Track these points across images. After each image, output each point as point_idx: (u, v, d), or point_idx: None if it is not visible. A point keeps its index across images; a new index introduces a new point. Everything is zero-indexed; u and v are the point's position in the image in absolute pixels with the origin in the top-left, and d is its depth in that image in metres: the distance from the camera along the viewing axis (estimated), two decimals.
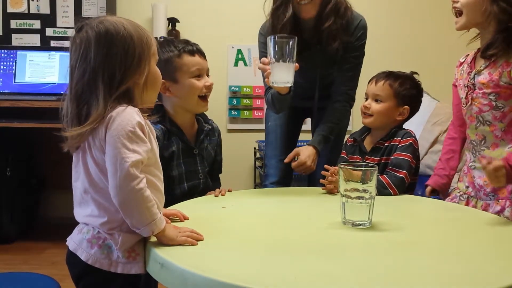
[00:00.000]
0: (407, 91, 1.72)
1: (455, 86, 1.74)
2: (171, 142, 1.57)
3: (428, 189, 1.82)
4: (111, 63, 1.07)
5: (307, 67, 1.95)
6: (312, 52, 1.91)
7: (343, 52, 1.92)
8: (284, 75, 1.56)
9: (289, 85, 1.60)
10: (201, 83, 1.57)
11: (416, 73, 1.79)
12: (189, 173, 1.61)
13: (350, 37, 1.90)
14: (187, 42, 1.60)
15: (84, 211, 1.11)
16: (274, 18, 1.89)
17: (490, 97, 1.55)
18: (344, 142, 1.87)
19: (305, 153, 1.86)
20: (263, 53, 1.94)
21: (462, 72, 1.69)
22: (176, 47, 1.57)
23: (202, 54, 1.60)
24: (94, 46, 1.07)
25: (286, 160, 1.89)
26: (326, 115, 2.01)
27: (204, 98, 1.60)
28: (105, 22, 1.10)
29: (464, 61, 1.71)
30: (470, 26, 1.58)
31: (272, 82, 1.58)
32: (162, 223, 1.06)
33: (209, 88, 1.59)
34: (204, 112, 1.71)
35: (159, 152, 1.50)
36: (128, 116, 1.05)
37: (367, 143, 1.76)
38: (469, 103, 1.62)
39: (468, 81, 1.62)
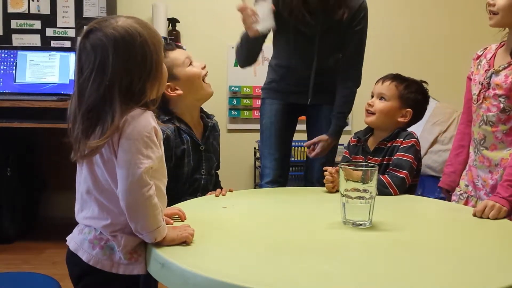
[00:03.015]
0: (412, 94, 1.73)
1: (469, 79, 1.72)
2: (181, 140, 1.58)
3: (442, 191, 1.84)
4: (129, 74, 1.03)
5: (307, 38, 1.99)
6: (315, 18, 1.93)
7: (347, 31, 1.96)
8: (268, 22, 1.69)
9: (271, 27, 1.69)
10: (198, 67, 1.62)
11: (425, 82, 1.79)
12: (193, 170, 1.63)
13: (355, 7, 1.94)
14: None
15: (85, 213, 1.10)
16: None
17: (500, 99, 1.55)
18: (348, 142, 1.87)
19: (322, 146, 2.05)
20: None
21: (479, 67, 1.66)
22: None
23: (180, 48, 1.65)
24: (112, 57, 1.02)
25: (305, 144, 2.11)
26: (337, 103, 2.06)
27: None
28: (119, 29, 1.04)
29: (482, 54, 1.69)
30: (504, 25, 1.57)
31: (259, 29, 1.70)
32: (164, 230, 1.06)
33: (205, 68, 1.65)
34: (205, 110, 1.73)
35: (172, 151, 1.52)
36: (144, 121, 1.03)
37: (370, 143, 1.77)
38: (480, 101, 1.61)
39: (484, 79, 1.61)
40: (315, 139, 2.07)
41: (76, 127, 1.05)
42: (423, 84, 1.79)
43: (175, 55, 1.60)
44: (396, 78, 1.75)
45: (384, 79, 1.76)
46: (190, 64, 1.62)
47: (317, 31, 1.98)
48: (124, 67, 1.03)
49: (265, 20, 1.69)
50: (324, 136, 2.06)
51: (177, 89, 1.58)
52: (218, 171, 1.81)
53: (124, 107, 1.03)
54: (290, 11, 1.92)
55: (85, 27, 1.07)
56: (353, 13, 1.93)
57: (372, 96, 1.77)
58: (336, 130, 2.07)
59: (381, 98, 1.73)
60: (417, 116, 1.76)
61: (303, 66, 2.06)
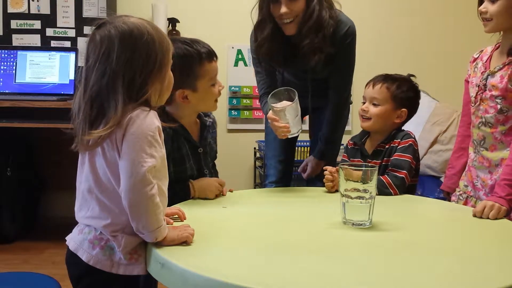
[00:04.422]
0: (404, 93, 1.71)
1: (467, 82, 1.72)
2: (180, 144, 1.53)
3: (444, 193, 1.85)
4: (132, 67, 1.04)
5: (297, 69, 1.97)
6: (298, 59, 1.91)
7: (333, 58, 1.91)
8: (298, 126, 1.69)
9: (300, 129, 1.72)
10: (217, 88, 1.53)
11: (413, 75, 1.78)
12: (197, 172, 1.59)
13: (336, 46, 1.87)
14: (200, 43, 1.50)
15: (85, 212, 1.10)
16: (257, 32, 1.91)
17: (497, 100, 1.55)
18: (345, 145, 1.87)
19: (311, 166, 2.08)
20: (254, 59, 2.01)
21: (475, 69, 1.67)
22: (196, 51, 1.46)
23: (216, 56, 1.54)
24: (117, 47, 1.04)
25: (299, 170, 2.12)
26: (323, 126, 2.04)
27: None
28: (129, 24, 1.06)
29: (478, 57, 1.69)
30: (499, 30, 1.57)
31: (289, 135, 1.71)
32: (165, 230, 1.06)
33: (220, 92, 1.56)
34: None
35: (170, 156, 1.47)
36: (148, 120, 1.04)
37: (368, 147, 1.76)
38: (478, 103, 1.61)
39: (480, 81, 1.61)
40: (304, 162, 2.13)
41: (80, 115, 1.06)
42: (412, 77, 1.77)
43: (209, 67, 1.49)
44: (386, 79, 1.73)
45: (374, 82, 1.73)
46: (214, 83, 1.53)
47: (307, 69, 1.96)
48: (128, 60, 1.04)
49: (294, 126, 1.67)
50: (311, 157, 2.10)
51: (187, 99, 1.48)
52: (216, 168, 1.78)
53: (127, 101, 1.03)
54: (270, 59, 1.93)
55: (98, 21, 1.09)
56: (339, 40, 1.88)
57: (364, 102, 1.75)
58: (320, 153, 2.07)
59: (374, 102, 1.72)
60: (412, 113, 1.76)
61: (300, 82, 2.06)
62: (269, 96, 1.69)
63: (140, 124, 1.03)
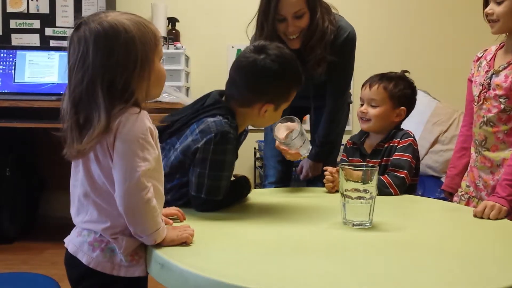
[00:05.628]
0: (401, 92, 1.71)
1: (470, 81, 1.72)
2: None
3: (445, 194, 1.84)
4: (110, 70, 1.00)
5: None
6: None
7: (333, 64, 1.91)
8: (307, 146, 1.69)
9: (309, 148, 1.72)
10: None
11: (407, 71, 1.78)
12: None
13: (336, 52, 1.88)
14: (299, 65, 1.44)
15: (83, 217, 1.08)
16: None
17: (501, 99, 1.55)
18: (344, 145, 1.87)
19: (306, 168, 2.09)
20: None
21: (479, 68, 1.67)
22: (299, 76, 1.43)
23: None
24: (92, 51, 1.00)
25: (297, 172, 2.13)
26: (319, 128, 2.04)
27: None
28: (104, 24, 1.02)
29: (482, 56, 1.69)
30: (506, 31, 1.56)
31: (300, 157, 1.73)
32: (164, 232, 1.05)
33: None
34: None
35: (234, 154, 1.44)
36: (139, 122, 1.01)
37: (367, 146, 1.76)
38: (481, 102, 1.61)
39: (484, 80, 1.60)
40: (300, 164, 2.13)
41: (67, 120, 1.04)
42: (406, 73, 1.77)
43: (294, 94, 1.46)
44: (382, 79, 1.72)
45: (370, 83, 1.73)
46: None
47: (308, 77, 1.96)
48: (105, 62, 1.00)
49: (303, 147, 1.67)
50: (306, 159, 2.10)
51: (265, 113, 1.42)
52: None
53: (110, 105, 1.00)
54: None
55: (75, 21, 1.05)
56: (339, 47, 1.88)
57: (362, 104, 1.75)
58: (313, 155, 2.07)
59: (372, 104, 1.71)
60: (410, 110, 1.76)
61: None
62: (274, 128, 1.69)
63: (130, 128, 1.00)
